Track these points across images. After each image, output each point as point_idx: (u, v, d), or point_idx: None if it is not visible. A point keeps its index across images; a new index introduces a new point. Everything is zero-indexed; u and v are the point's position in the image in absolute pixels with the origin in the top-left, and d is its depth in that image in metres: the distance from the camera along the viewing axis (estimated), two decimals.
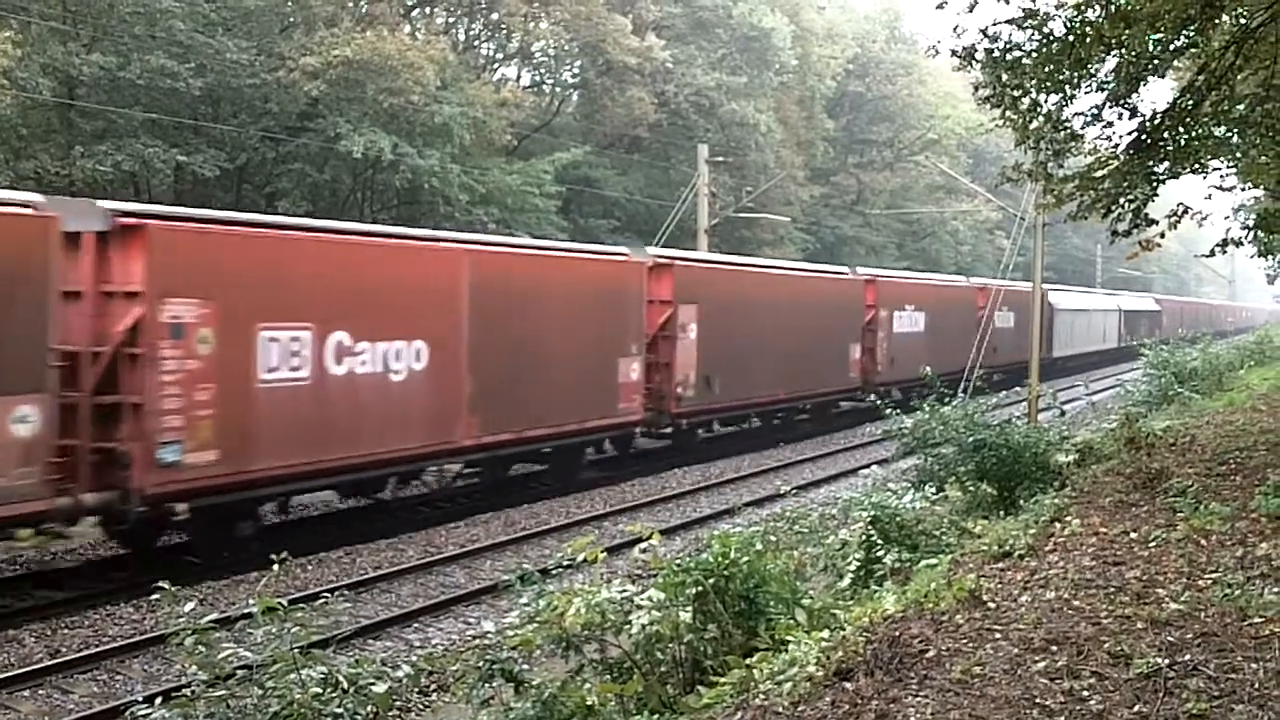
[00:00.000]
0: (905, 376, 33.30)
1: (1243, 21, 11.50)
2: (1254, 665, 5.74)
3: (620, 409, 21.92)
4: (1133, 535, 8.79)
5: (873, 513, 9.73)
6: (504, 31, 42.52)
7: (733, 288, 26.14)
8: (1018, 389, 28.53)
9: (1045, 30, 11.15)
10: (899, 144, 61.13)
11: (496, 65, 45.15)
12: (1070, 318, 52.92)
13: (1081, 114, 12.48)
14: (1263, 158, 14.79)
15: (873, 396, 18.18)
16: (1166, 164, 13.05)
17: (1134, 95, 12.06)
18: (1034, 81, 11.69)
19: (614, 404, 21.70)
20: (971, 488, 14.04)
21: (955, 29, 11.63)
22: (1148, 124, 12.20)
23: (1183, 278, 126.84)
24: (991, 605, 7.04)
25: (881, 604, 7.30)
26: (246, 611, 7.30)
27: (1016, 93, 11.85)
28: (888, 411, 15.85)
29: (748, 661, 6.64)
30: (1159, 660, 5.81)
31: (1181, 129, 12.43)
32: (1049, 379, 38.87)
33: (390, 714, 7.80)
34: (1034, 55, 11.32)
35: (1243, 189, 18.74)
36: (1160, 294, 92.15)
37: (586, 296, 20.94)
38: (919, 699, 5.56)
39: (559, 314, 20.05)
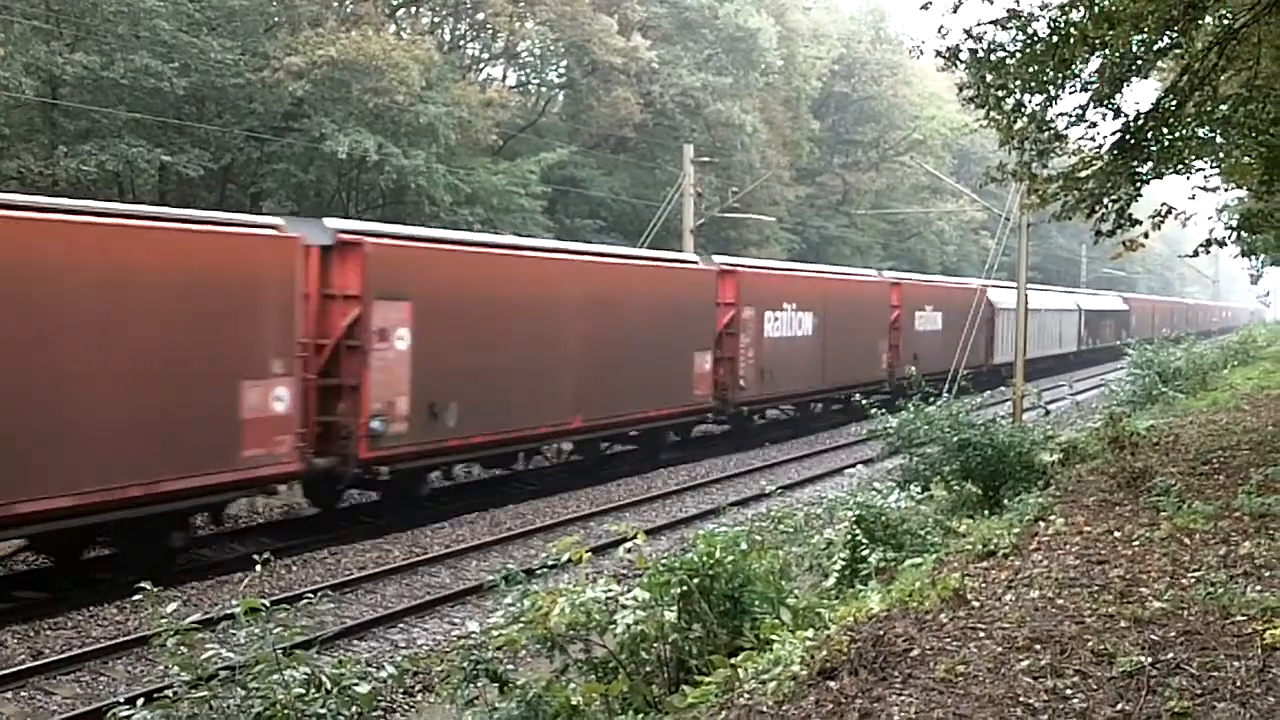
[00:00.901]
0: (787, 392, 28.98)
1: (1225, 22, 11.55)
2: (1236, 663, 5.76)
3: (248, 459, 14.52)
4: (1116, 534, 8.82)
5: (858, 512, 9.75)
6: (489, 31, 42.42)
7: (478, 278, 18.64)
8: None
9: (1029, 31, 11.17)
10: (884, 144, 61.22)
11: (482, 65, 45.08)
12: (1013, 320, 44.43)
13: (1065, 114, 12.53)
14: (1246, 158, 14.86)
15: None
16: (1150, 164, 13.10)
17: (1118, 96, 12.11)
18: (1018, 82, 11.71)
19: (233, 452, 14.30)
20: (956, 487, 14.06)
21: (940, 29, 11.65)
22: (1131, 124, 12.23)
23: (1167, 278, 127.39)
24: (975, 604, 7.05)
25: (866, 603, 7.31)
26: (229, 612, 7.26)
27: (1001, 93, 11.87)
28: (872, 412, 15.86)
29: (732, 661, 6.64)
30: (1142, 659, 5.83)
31: (1165, 129, 12.48)
32: (990, 389, 33.11)
33: (374, 714, 7.77)
34: (1018, 56, 11.34)
35: (1226, 189, 18.84)
36: (1126, 292, 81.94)
37: (162, 289, 13.51)
38: (903, 698, 5.56)
39: (91, 316, 12.80)
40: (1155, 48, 11.61)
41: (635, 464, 24.06)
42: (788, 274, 31.00)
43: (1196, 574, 7.47)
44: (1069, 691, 5.51)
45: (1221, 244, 18.23)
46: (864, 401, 17.26)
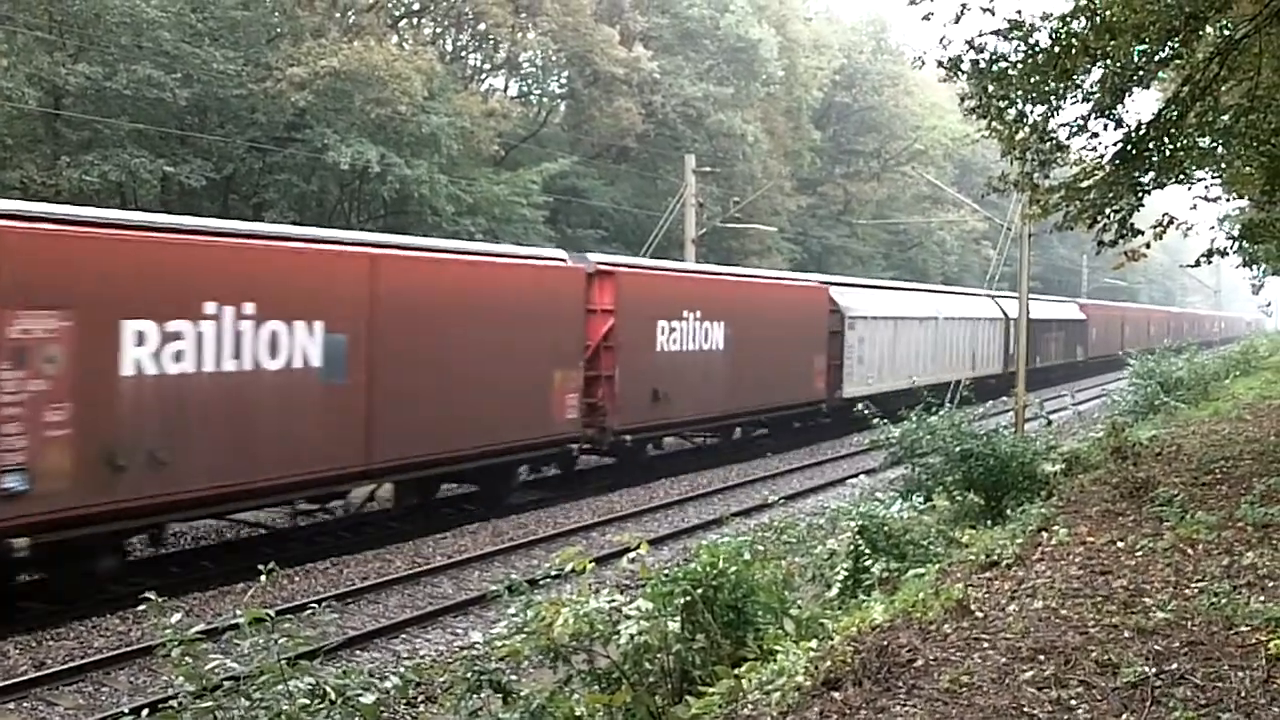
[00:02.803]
0: (295, 474, 14.70)
1: (1226, 33, 11.58)
2: (1241, 674, 5.76)
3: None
4: (1119, 544, 8.81)
5: (860, 522, 9.76)
6: (491, 42, 42.56)
7: None
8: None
9: (1031, 41, 11.21)
10: (885, 154, 61.32)
11: (484, 75, 45.20)
12: (883, 333, 31.79)
13: (1067, 124, 12.55)
14: (1247, 168, 14.87)
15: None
16: (1152, 174, 13.12)
17: (1119, 106, 12.13)
18: (1020, 92, 11.75)
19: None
20: (959, 497, 14.06)
21: (941, 40, 11.70)
22: (1133, 134, 12.26)
23: (1169, 288, 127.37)
24: (979, 615, 7.05)
25: (869, 613, 7.31)
26: (233, 622, 7.25)
27: (1002, 103, 11.91)
28: (874, 422, 15.86)
29: (736, 671, 6.64)
30: (1146, 669, 5.82)
31: (1166, 139, 12.50)
32: (830, 438, 26.35)
33: None
34: (1020, 66, 11.38)
35: (1227, 199, 18.86)
36: (1087, 300, 66.00)
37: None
38: (907, 708, 5.56)
39: None
40: (1157, 58, 11.65)
41: None
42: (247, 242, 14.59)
43: (1200, 584, 7.47)
44: (1073, 702, 5.52)
45: (1223, 254, 18.23)
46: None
